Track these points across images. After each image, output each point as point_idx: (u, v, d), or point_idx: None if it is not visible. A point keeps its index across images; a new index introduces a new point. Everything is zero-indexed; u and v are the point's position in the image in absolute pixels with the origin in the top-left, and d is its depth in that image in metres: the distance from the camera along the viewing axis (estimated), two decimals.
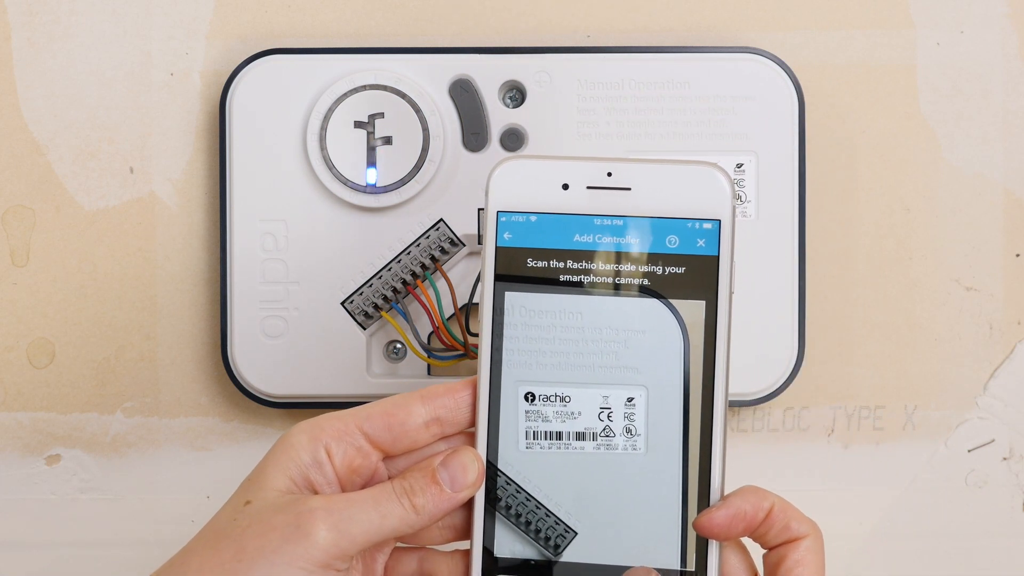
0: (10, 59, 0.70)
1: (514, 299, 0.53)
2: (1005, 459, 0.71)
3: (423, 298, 0.67)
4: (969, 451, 0.71)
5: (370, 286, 0.68)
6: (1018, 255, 0.71)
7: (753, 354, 0.67)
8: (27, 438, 0.70)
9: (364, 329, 0.68)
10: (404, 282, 0.68)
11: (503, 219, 0.53)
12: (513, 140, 0.68)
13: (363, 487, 0.53)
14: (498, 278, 0.53)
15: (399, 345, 0.69)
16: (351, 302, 0.68)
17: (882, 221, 0.70)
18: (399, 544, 0.55)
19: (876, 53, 0.70)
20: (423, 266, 0.68)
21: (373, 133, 0.67)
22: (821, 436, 0.71)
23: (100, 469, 0.71)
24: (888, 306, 0.70)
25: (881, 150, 0.70)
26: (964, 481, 0.71)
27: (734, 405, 0.68)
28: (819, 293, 0.70)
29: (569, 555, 0.54)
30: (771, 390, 0.68)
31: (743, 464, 0.70)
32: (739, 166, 0.67)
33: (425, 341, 0.68)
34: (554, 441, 0.54)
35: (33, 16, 0.70)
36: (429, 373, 0.69)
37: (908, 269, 0.70)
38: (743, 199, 0.67)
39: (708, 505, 0.52)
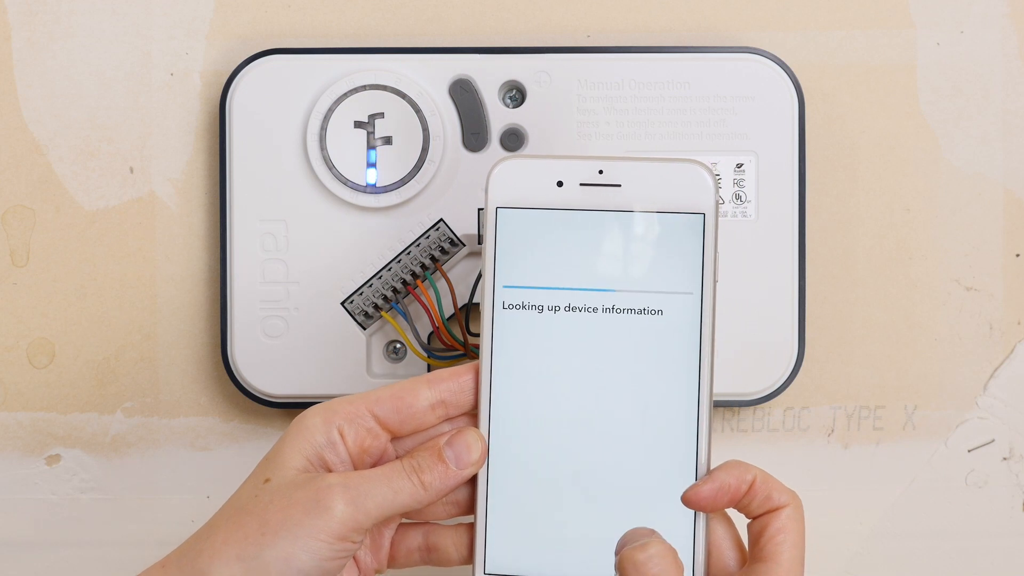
0: (10, 59, 0.70)
1: (514, 290, 0.56)
2: (1005, 459, 0.71)
3: (423, 298, 0.67)
4: (969, 451, 0.71)
5: (370, 286, 0.68)
6: (1018, 255, 0.70)
7: (753, 354, 0.67)
8: (27, 438, 0.70)
9: (364, 329, 0.68)
10: (404, 282, 0.68)
11: (502, 215, 0.56)
12: (513, 140, 0.68)
13: (373, 466, 0.55)
14: (498, 270, 0.56)
15: (399, 345, 0.69)
16: (351, 302, 0.68)
17: (882, 221, 0.70)
18: (404, 520, 0.58)
19: (876, 53, 0.70)
20: (423, 266, 0.68)
21: (373, 133, 0.67)
22: (821, 436, 0.71)
23: (100, 469, 0.71)
24: (888, 306, 0.70)
25: (881, 150, 0.70)
26: (964, 481, 0.71)
27: (734, 405, 0.68)
28: (819, 293, 0.70)
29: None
30: (771, 390, 0.68)
31: None
32: (739, 166, 0.67)
33: (425, 341, 0.68)
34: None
35: (33, 16, 0.70)
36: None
37: (908, 269, 0.70)
38: (743, 199, 0.67)
39: (695, 480, 0.55)
